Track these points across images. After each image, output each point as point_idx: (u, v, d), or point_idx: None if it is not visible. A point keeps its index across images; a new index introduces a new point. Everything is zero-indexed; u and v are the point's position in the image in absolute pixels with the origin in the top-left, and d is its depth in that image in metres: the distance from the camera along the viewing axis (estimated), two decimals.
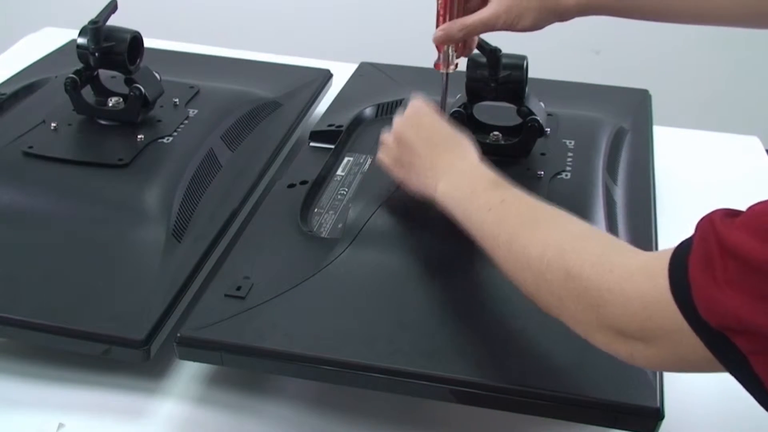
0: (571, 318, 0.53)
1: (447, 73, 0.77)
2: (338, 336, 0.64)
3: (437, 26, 0.75)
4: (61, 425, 0.66)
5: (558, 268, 0.52)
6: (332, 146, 0.91)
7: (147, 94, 0.87)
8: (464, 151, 0.68)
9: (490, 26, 0.73)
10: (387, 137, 0.74)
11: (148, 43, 0.90)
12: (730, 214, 0.44)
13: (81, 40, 0.85)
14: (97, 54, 0.85)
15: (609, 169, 0.86)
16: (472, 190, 0.64)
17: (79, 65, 0.87)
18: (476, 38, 0.78)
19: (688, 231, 0.47)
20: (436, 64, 0.77)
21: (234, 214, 0.81)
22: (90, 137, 0.88)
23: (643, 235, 0.78)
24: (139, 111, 0.88)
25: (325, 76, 1.09)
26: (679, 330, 0.45)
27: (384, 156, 0.74)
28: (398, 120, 0.72)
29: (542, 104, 0.85)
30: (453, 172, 0.66)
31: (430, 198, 0.68)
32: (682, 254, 0.45)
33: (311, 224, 0.79)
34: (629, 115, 0.98)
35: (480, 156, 0.67)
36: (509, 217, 0.59)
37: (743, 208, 0.44)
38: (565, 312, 0.53)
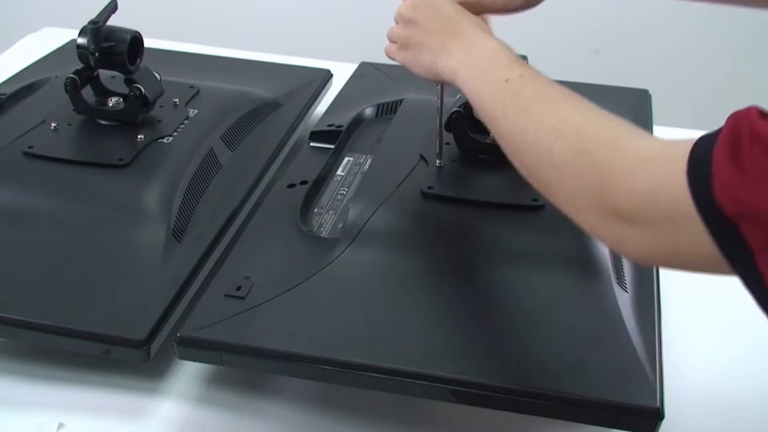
0: (566, 195, 0.52)
1: None
2: (338, 336, 0.64)
3: None
4: (61, 425, 0.66)
5: (569, 143, 0.52)
6: (332, 146, 0.91)
7: (147, 94, 0.87)
8: (483, 31, 0.66)
9: (479, 8, 0.72)
10: (390, 30, 0.72)
11: (148, 43, 0.90)
12: (763, 114, 0.43)
13: (81, 40, 0.85)
14: (97, 54, 0.85)
15: None
16: (490, 65, 0.62)
17: (79, 65, 0.87)
18: None
19: None
20: None
21: (234, 214, 0.81)
22: (90, 137, 0.88)
23: None
24: (139, 111, 0.88)
25: (325, 76, 1.09)
26: (685, 218, 0.44)
27: (390, 45, 0.72)
28: (408, 3, 0.70)
29: None
30: (471, 47, 0.65)
31: (440, 76, 0.67)
32: (706, 142, 0.44)
33: (311, 224, 0.79)
34: (629, 115, 0.97)
35: (494, 38, 0.65)
36: (526, 89, 0.58)
37: None
38: (562, 189, 0.52)
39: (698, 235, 0.43)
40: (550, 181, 0.54)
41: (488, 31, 0.67)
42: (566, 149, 0.52)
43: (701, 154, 0.44)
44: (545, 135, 0.54)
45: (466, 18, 0.67)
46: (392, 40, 0.72)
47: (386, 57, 0.74)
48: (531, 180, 0.57)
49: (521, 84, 0.59)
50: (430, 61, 0.68)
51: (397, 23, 0.72)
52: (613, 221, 0.49)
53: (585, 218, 0.51)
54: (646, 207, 0.46)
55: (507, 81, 0.59)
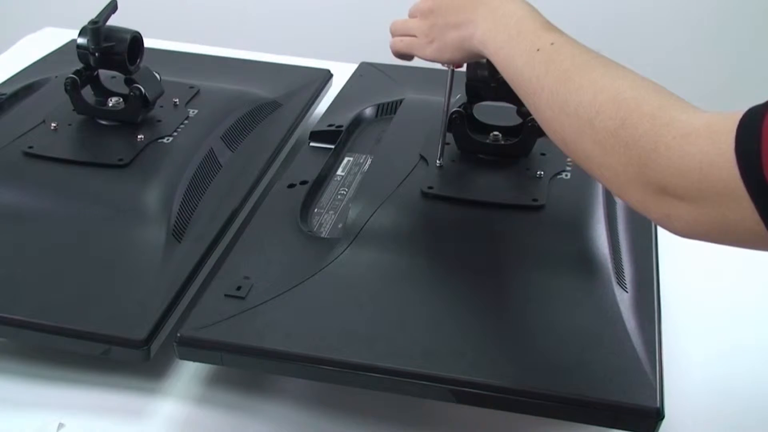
0: (608, 170, 0.51)
1: (452, 69, 0.77)
2: (338, 336, 0.64)
3: None
4: (61, 425, 0.66)
5: (611, 116, 0.50)
6: (332, 146, 0.91)
7: (147, 94, 0.87)
8: None
9: None
10: (402, 22, 0.71)
11: (148, 43, 0.90)
12: None
13: (81, 40, 0.85)
14: (97, 54, 0.85)
15: None
16: (518, 32, 0.60)
17: (79, 65, 0.87)
18: None
19: None
20: None
21: (234, 214, 0.81)
22: (90, 137, 0.88)
23: (643, 235, 0.78)
24: (139, 111, 0.88)
25: (325, 76, 1.09)
26: (733, 193, 0.43)
27: (402, 40, 0.71)
28: None
29: None
30: (496, 14, 0.62)
31: (471, 52, 0.65)
32: (755, 115, 0.43)
33: (311, 224, 0.79)
34: None
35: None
36: (560, 59, 0.56)
37: None
38: (605, 163, 0.51)
39: (747, 211, 0.42)
40: (592, 155, 0.52)
41: None
42: (607, 122, 0.50)
43: (749, 128, 0.43)
44: (585, 108, 0.52)
45: None
46: (409, 35, 0.71)
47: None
48: (570, 153, 0.55)
49: (554, 53, 0.57)
50: (458, 38, 0.66)
51: (413, 18, 0.71)
52: (659, 197, 0.47)
53: (629, 193, 0.50)
54: (694, 183, 0.45)
55: (538, 50, 0.57)
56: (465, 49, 0.66)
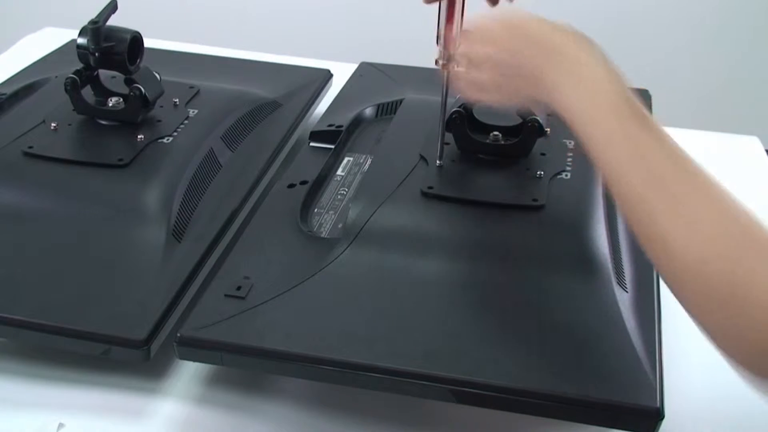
0: (682, 297, 0.50)
1: (448, 72, 0.77)
2: (338, 336, 0.64)
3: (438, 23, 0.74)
4: (61, 425, 0.66)
5: (685, 250, 0.49)
6: (332, 146, 0.91)
7: (147, 94, 0.87)
8: (584, 50, 0.59)
9: None
10: (472, 76, 0.68)
11: (148, 43, 0.90)
12: None
13: (81, 40, 0.85)
14: (97, 54, 0.85)
15: None
16: (597, 106, 0.56)
17: (79, 65, 0.87)
18: None
19: None
20: (439, 62, 0.76)
21: (234, 214, 0.81)
22: (90, 137, 0.88)
23: None
24: (139, 111, 0.88)
25: (325, 76, 1.09)
26: None
27: (472, 89, 0.69)
28: (486, 37, 0.65)
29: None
30: (573, 74, 0.58)
31: (540, 102, 0.62)
32: None
33: (311, 224, 0.79)
34: None
35: (606, 59, 0.58)
36: (636, 165, 0.53)
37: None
38: (678, 288, 0.50)
39: None
40: (665, 274, 0.51)
41: (592, 46, 0.59)
42: (682, 257, 0.49)
43: None
44: (658, 228, 0.51)
45: (558, 35, 0.61)
46: (479, 82, 0.68)
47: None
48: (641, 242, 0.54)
49: (634, 149, 0.54)
50: (527, 87, 0.62)
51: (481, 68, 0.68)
52: (746, 354, 0.47)
53: (733, 363, 0.49)
54: None
55: (610, 141, 0.54)
56: (535, 98, 0.64)
